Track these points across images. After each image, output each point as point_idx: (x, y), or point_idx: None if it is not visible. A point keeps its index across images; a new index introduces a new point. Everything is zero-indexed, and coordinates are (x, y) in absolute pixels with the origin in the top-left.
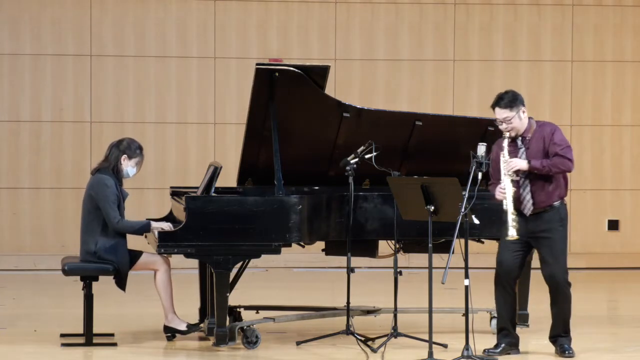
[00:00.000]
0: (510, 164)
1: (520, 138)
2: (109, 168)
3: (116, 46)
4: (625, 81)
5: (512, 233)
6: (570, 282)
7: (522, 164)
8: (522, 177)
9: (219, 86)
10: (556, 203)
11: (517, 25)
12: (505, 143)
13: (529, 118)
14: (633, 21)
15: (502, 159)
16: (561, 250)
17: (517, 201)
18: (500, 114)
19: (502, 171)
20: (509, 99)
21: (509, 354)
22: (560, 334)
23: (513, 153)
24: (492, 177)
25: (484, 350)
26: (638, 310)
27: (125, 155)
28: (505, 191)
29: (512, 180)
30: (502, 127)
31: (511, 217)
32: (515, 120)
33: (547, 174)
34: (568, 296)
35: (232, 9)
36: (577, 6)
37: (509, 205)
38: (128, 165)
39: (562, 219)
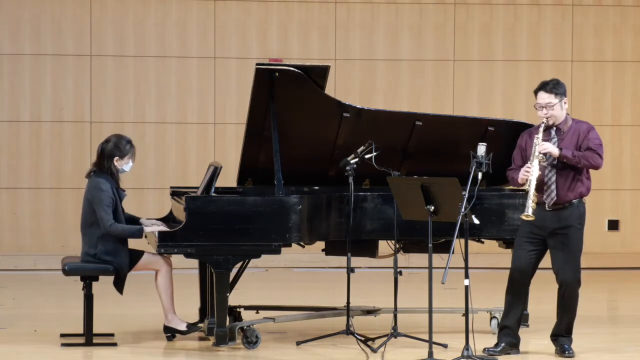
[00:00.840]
0: (543, 145)
1: (555, 129)
2: (104, 170)
3: (116, 46)
4: (625, 81)
5: (529, 212)
6: (581, 282)
7: (554, 149)
8: (549, 167)
9: (219, 86)
10: (575, 201)
11: (517, 25)
12: (541, 128)
13: (567, 113)
14: (633, 21)
15: (535, 140)
16: (576, 249)
17: (541, 190)
18: (544, 98)
19: (533, 152)
20: (554, 85)
21: (508, 353)
22: (562, 334)
23: (545, 141)
24: (513, 162)
25: (484, 349)
26: (638, 310)
27: (117, 157)
28: (531, 171)
29: (540, 166)
30: (542, 112)
31: (531, 197)
32: (557, 108)
33: (576, 166)
34: (576, 295)
35: (232, 9)
36: (577, 6)
37: (531, 186)
38: (122, 164)
39: (581, 216)
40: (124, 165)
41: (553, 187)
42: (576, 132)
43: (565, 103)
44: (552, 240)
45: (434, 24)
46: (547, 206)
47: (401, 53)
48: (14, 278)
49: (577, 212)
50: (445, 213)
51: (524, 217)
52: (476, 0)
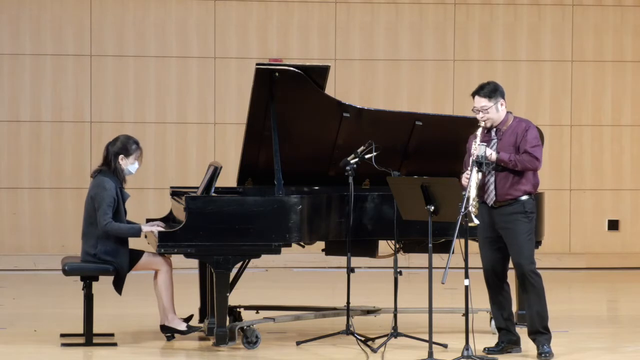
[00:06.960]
0: (480, 150)
1: (494, 129)
2: (110, 170)
3: (116, 46)
4: (625, 81)
5: (473, 219)
6: (539, 273)
7: (490, 153)
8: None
9: (219, 86)
10: (522, 197)
11: (517, 25)
12: (479, 132)
13: (508, 112)
14: (633, 21)
15: (473, 144)
16: (525, 241)
17: (482, 190)
18: (479, 102)
19: (472, 158)
20: (490, 89)
21: (509, 352)
22: (539, 331)
23: (485, 143)
24: (464, 167)
25: (484, 349)
26: (638, 310)
27: (122, 155)
28: (469, 177)
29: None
30: (479, 115)
31: (472, 202)
32: (492, 111)
33: (513, 169)
34: (538, 288)
35: (232, 9)
36: (577, 6)
37: (471, 191)
38: (128, 164)
39: (527, 212)
40: (129, 165)
41: (492, 187)
42: (514, 132)
43: (502, 105)
44: (503, 236)
45: (434, 24)
46: (488, 203)
47: (401, 53)
48: (14, 278)
49: (522, 208)
50: (445, 213)
51: (470, 225)
52: (476, 0)
